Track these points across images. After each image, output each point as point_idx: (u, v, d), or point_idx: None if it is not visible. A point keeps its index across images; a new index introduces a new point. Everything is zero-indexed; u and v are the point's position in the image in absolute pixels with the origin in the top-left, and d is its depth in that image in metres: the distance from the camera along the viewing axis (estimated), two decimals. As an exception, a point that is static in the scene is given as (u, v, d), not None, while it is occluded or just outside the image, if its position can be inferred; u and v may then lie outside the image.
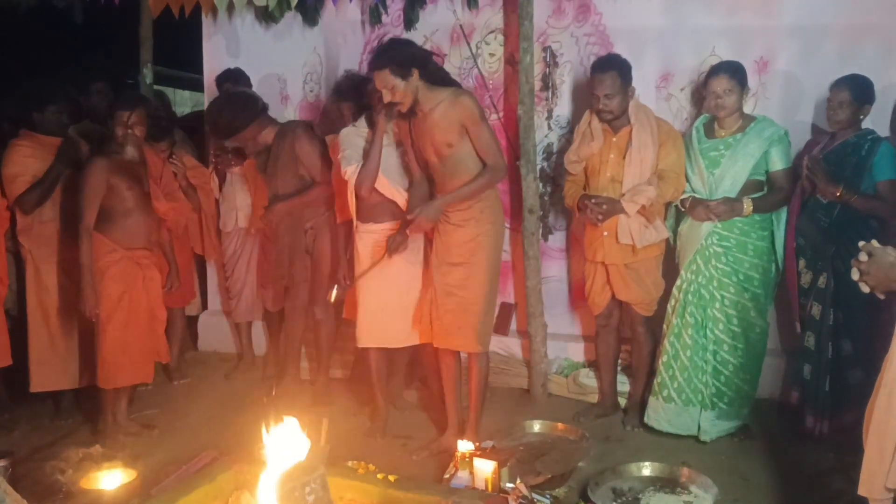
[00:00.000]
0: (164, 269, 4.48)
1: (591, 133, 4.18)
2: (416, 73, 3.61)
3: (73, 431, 4.28)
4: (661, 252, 4.22)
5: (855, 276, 2.44)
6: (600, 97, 4.04)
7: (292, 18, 5.23)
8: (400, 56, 3.60)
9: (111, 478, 3.33)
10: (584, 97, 4.69)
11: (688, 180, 4.11)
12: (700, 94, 4.44)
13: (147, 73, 5.37)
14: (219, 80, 5.11)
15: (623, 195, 4.05)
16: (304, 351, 4.85)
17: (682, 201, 4.10)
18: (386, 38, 3.70)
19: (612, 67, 4.04)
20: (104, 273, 4.10)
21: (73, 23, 5.17)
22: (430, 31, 5.01)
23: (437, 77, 3.75)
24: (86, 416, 4.47)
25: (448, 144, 3.68)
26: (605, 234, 4.13)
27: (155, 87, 5.70)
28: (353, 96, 4.35)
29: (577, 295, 4.86)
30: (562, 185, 4.50)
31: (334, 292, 4.09)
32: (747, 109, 4.23)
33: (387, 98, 3.63)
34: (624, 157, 4.08)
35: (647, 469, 3.67)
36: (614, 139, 4.12)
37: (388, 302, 4.07)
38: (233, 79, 5.04)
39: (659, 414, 4.14)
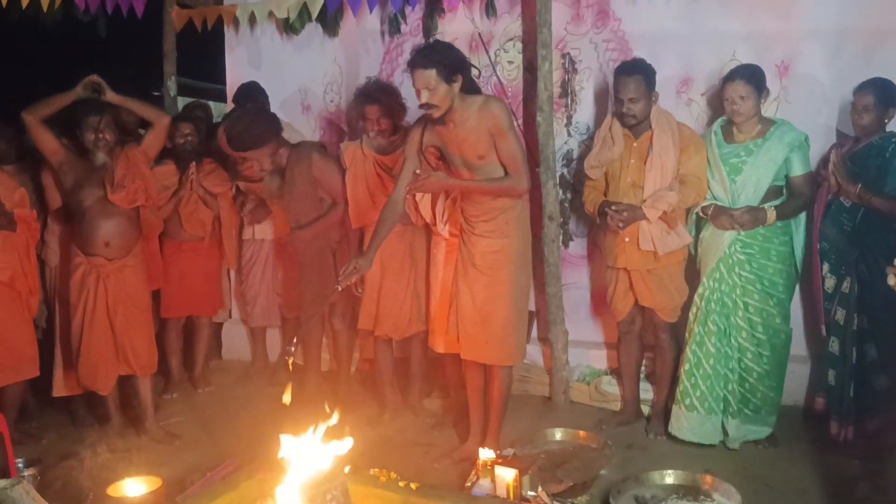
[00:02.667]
0: (152, 276, 4.53)
1: (612, 138, 4.16)
2: (459, 79, 3.50)
3: (102, 439, 4.32)
4: (684, 257, 4.20)
5: (891, 281, 2.43)
6: (624, 101, 4.02)
7: (313, 30, 5.28)
8: (449, 59, 3.48)
9: (137, 485, 3.37)
10: (604, 103, 4.70)
11: (708, 187, 4.08)
12: (720, 99, 4.42)
13: (171, 86, 5.45)
14: (237, 98, 5.09)
15: (644, 201, 4.03)
16: (326, 342, 4.87)
17: (704, 209, 4.07)
18: (432, 40, 3.57)
19: (638, 71, 4.02)
20: (69, 277, 4.19)
21: (98, 37, 5.25)
22: (448, 39, 4.97)
23: (471, 86, 3.66)
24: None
25: (479, 156, 3.62)
26: (627, 239, 4.11)
27: (185, 98, 5.80)
28: (378, 100, 4.32)
29: (599, 302, 4.85)
30: (582, 191, 4.49)
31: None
32: (769, 113, 4.21)
33: (424, 98, 3.47)
34: (645, 163, 4.06)
35: (669, 477, 3.65)
36: (635, 144, 4.11)
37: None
38: (252, 97, 5.00)
39: (682, 423, 4.11)
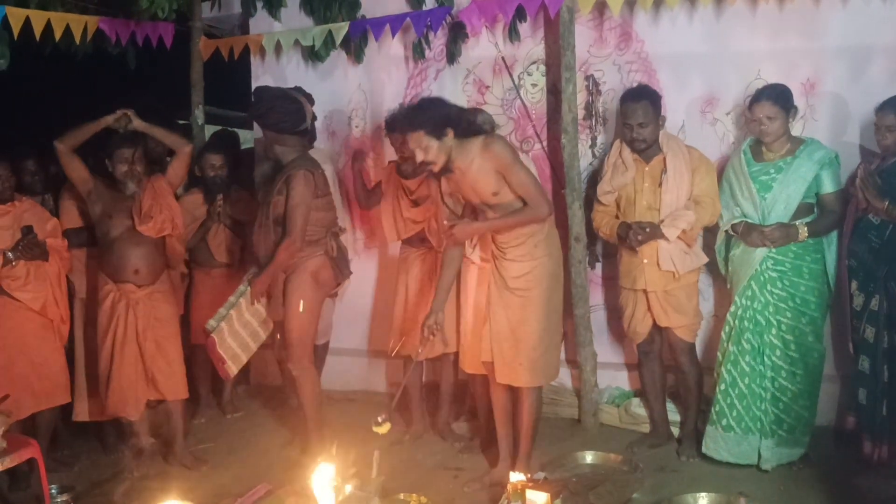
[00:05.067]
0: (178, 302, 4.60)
1: (624, 163, 4.23)
2: (450, 132, 3.55)
3: (133, 465, 4.34)
4: (698, 277, 4.26)
5: None
6: (634, 126, 4.11)
7: (337, 57, 5.34)
8: (435, 117, 3.53)
9: (168, 511, 3.38)
10: (627, 125, 4.71)
11: (737, 205, 4.08)
12: (746, 118, 4.42)
13: (199, 115, 5.51)
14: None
15: (662, 221, 4.08)
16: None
17: (734, 227, 4.06)
18: (417, 98, 3.63)
19: (644, 97, 4.13)
20: (100, 305, 4.24)
21: (126, 68, 5.35)
22: (472, 64, 5.08)
23: (468, 130, 3.67)
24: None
25: (493, 193, 3.66)
26: (645, 261, 4.14)
27: (212, 126, 5.87)
28: (394, 129, 4.35)
29: (626, 323, 4.82)
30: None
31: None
32: (796, 131, 4.19)
33: (419, 158, 3.56)
34: (659, 185, 4.12)
35: (703, 500, 3.60)
36: (647, 168, 4.17)
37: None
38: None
39: (718, 443, 4.07)
